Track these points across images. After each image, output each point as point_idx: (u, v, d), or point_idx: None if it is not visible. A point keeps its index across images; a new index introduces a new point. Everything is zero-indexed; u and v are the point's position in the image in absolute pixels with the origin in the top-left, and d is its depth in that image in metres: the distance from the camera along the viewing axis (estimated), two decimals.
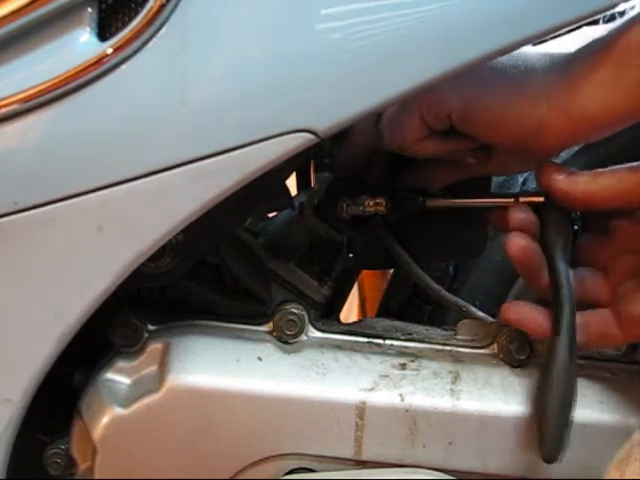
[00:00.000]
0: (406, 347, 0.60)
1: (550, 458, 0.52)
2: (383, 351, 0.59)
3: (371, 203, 0.59)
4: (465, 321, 0.61)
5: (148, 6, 0.46)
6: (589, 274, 0.55)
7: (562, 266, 0.52)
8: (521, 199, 0.55)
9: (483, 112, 0.52)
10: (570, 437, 0.52)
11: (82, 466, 0.59)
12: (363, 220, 0.62)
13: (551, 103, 0.50)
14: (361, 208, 0.60)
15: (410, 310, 0.82)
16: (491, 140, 0.54)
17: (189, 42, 0.46)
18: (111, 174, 0.48)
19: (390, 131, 0.58)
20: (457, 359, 0.59)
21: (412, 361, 0.59)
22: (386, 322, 0.62)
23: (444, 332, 0.61)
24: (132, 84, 0.47)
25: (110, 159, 0.48)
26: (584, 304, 0.54)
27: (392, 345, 0.60)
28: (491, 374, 0.58)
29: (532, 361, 0.58)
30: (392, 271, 0.86)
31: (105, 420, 0.56)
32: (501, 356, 0.59)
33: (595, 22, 0.52)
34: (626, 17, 0.50)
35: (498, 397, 0.57)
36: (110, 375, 0.58)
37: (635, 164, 0.50)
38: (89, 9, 0.46)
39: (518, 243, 0.52)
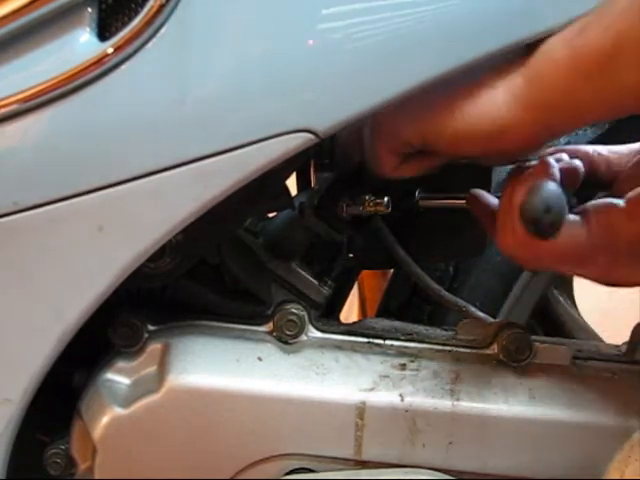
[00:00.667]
0: (406, 347, 0.60)
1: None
2: (383, 351, 0.59)
3: (371, 203, 0.59)
4: (465, 321, 0.61)
5: (148, 6, 0.46)
6: None
7: None
8: None
9: (438, 133, 0.51)
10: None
11: (82, 466, 0.59)
12: (363, 220, 0.63)
13: (509, 100, 0.48)
14: (361, 208, 0.60)
15: (410, 310, 0.82)
16: (460, 154, 0.53)
17: (189, 42, 0.46)
18: (111, 174, 0.48)
19: (369, 163, 0.57)
20: (457, 359, 0.59)
21: (412, 361, 0.59)
22: (386, 322, 0.62)
23: (444, 332, 0.61)
24: (132, 84, 0.47)
25: (110, 159, 0.48)
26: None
27: (392, 345, 0.60)
28: (491, 374, 0.58)
29: (532, 361, 0.58)
30: (392, 271, 0.86)
31: (105, 420, 0.56)
32: (501, 356, 0.59)
33: None
34: None
35: (498, 397, 0.57)
36: (110, 375, 0.58)
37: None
38: (89, 9, 0.46)
39: None
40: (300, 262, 0.65)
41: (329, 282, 0.65)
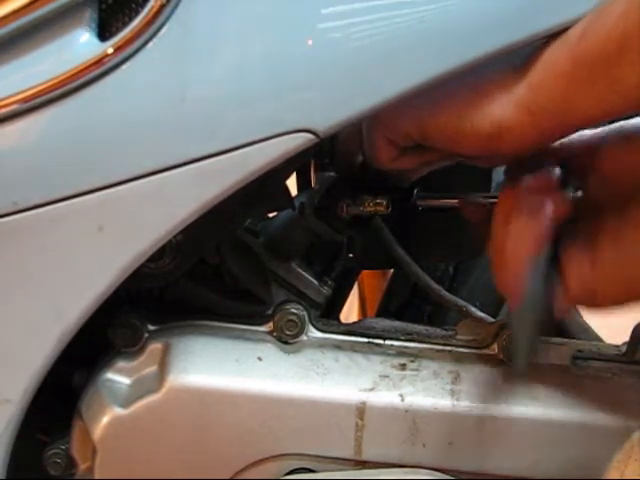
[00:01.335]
0: (406, 347, 0.60)
1: (521, 370, 0.53)
2: (383, 351, 0.59)
3: (371, 203, 0.59)
4: (465, 321, 0.61)
5: (148, 6, 0.46)
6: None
7: None
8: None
9: (439, 129, 0.51)
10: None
11: (82, 466, 0.59)
12: (363, 220, 0.63)
13: (511, 102, 0.48)
14: (361, 208, 0.60)
15: (410, 310, 0.83)
16: (459, 151, 0.53)
17: (190, 42, 0.46)
18: (111, 174, 0.48)
19: (367, 153, 0.57)
20: (457, 359, 0.59)
21: (412, 361, 0.59)
22: (386, 322, 0.62)
23: (444, 332, 0.61)
24: (132, 84, 0.47)
25: (110, 159, 0.48)
26: None
27: (392, 345, 0.60)
28: (491, 374, 0.58)
29: (532, 361, 0.58)
30: (392, 271, 0.86)
31: (105, 420, 0.56)
32: (501, 356, 0.59)
33: None
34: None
35: (498, 397, 0.57)
36: (110, 375, 0.58)
37: None
38: (89, 9, 0.46)
39: None
40: (300, 262, 0.65)
41: (329, 282, 0.65)
